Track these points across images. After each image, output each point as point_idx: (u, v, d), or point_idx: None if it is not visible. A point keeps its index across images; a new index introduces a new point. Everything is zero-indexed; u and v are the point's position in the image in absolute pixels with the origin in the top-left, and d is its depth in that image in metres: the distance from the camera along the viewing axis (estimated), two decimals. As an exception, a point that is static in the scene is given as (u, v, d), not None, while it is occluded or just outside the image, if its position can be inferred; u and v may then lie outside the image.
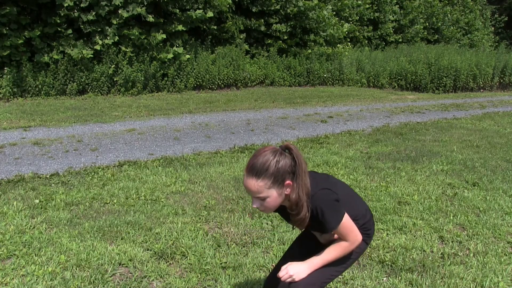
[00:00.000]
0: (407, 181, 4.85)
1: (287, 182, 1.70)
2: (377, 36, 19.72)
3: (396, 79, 16.66)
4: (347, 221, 1.80)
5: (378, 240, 3.34)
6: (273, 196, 1.70)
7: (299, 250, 2.08)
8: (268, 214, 3.75)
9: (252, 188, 1.66)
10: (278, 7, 14.47)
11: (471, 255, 3.16)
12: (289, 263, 1.85)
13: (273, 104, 10.77)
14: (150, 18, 11.11)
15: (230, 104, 10.36)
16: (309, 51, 15.30)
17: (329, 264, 1.88)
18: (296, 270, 1.82)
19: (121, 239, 3.26)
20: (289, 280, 1.81)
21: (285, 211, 1.87)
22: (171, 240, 3.25)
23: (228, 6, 12.83)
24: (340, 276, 2.83)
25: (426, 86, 16.41)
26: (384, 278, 2.83)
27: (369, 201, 4.18)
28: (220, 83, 12.88)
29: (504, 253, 3.20)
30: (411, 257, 3.09)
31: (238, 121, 8.34)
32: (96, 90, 10.87)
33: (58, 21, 10.22)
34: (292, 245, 2.19)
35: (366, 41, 19.25)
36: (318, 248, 1.92)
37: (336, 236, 1.90)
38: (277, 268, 2.03)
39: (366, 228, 1.97)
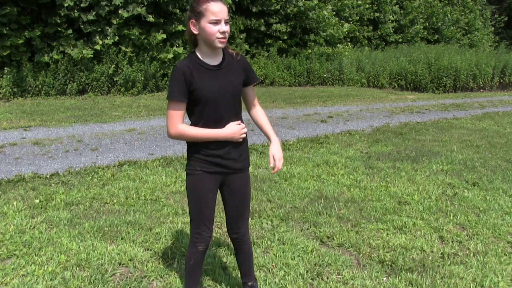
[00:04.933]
0: (407, 181, 4.85)
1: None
2: (377, 36, 19.72)
3: (396, 79, 16.66)
4: None
5: (378, 240, 3.35)
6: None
7: (213, 199, 2.43)
8: (268, 215, 3.76)
9: (227, 10, 2.17)
10: (278, 7, 14.47)
11: (471, 255, 3.16)
12: (273, 153, 2.37)
13: (273, 104, 10.77)
14: (150, 18, 11.10)
15: (230, 104, 10.35)
16: (309, 51, 15.30)
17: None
18: (280, 152, 2.41)
19: (121, 239, 3.26)
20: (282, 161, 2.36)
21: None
22: (171, 240, 3.25)
23: (228, 6, 12.83)
24: (340, 276, 2.84)
25: (426, 86, 16.41)
26: (384, 278, 2.83)
27: (369, 201, 4.18)
28: (220, 83, 12.88)
29: (504, 253, 3.20)
30: (411, 257, 3.09)
31: (238, 121, 8.33)
32: (96, 90, 10.87)
33: (58, 21, 10.22)
34: (208, 200, 2.44)
35: (366, 41, 19.25)
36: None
37: None
38: (232, 212, 2.49)
39: None
